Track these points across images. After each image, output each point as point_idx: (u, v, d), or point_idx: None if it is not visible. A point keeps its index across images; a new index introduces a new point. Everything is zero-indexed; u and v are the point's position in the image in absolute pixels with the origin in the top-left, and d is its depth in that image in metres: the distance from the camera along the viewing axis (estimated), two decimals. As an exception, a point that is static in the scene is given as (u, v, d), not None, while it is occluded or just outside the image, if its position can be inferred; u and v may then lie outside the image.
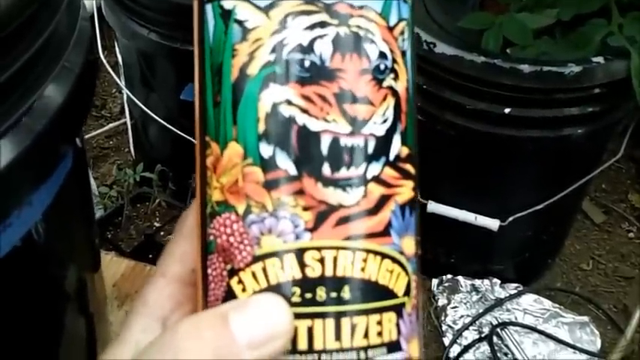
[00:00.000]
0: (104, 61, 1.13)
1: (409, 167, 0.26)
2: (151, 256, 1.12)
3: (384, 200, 0.24)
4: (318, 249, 0.23)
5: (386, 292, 0.24)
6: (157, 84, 1.16)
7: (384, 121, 0.24)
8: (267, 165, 0.24)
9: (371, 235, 0.24)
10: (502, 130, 0.95)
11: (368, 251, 0.24)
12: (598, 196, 1.44)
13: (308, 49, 0.24)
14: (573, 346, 1.10)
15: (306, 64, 0.24)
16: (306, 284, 0.23)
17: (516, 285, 1.19)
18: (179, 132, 1.08)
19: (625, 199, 1.44)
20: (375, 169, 0.24)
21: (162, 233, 1.17)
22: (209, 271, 0.25)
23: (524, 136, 0.96)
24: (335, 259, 0.23)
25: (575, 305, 1.22)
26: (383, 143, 0.24)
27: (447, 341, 1.12)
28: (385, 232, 0.24)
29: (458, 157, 1.06)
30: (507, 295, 1.17)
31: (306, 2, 0.24)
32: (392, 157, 0.25)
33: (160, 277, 0.28)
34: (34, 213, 0.36)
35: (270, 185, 0.24)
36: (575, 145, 1.01)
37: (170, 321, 0.27)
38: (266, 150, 0.24)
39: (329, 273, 0.23)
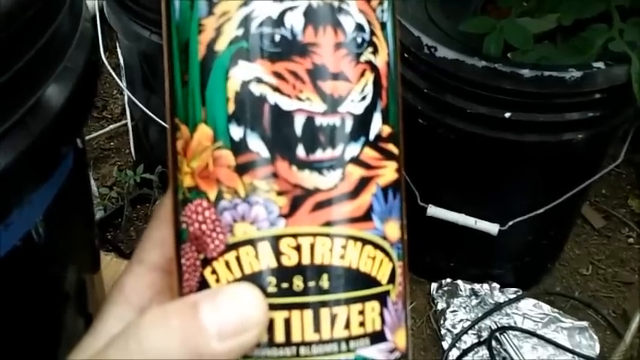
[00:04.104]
0: (105, 62, 1.14)
1: (392, 147, 0.24)
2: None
3: (364, 183, 0.23)
4: (294, 236, 0.22)
5: (368, 280, 0.23)
6: (158, 85, 1.16)
7: (363, 98, 0.23)
8: (238, 148, 0.22)
9: (351, 220, 0.22)
10: (502, 135, 0.95)
11: (348, 237, 0.22)
12: (598, 201, 1.44)
13: (278, 22, 0.22)
14: (572, 351, 1.10)
15: (277, 38, 0.22)
16: (282, 273, 0.22)
17: (516, 289, 1.19)
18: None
19: (625, 205, 1.44)
20: (353, 149, 0.23)
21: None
22: (182, 260, 0.24)
23: (525, 140, 0.96)
24: (312, 247, 0.22)
25: (575, 310, 1.21)
26: (361, 122, 0.23)
27: (445, 345, 1.12)
28: (366, 217, 0.23)
29: (458, 161, 1.06)
30: (507, 299, 1.17)
31: None
32: (372, 136, 0.23)
33: (138, 264, 0.27)
34: (35, 213, 0.36)
35: (241, 169, 0.22)
36: (575, 150, 1.01)
37: (149, 309, 0.26)
38: (236, 132, 0.22)
39: (306, 261, 0.22)
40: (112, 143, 1.49)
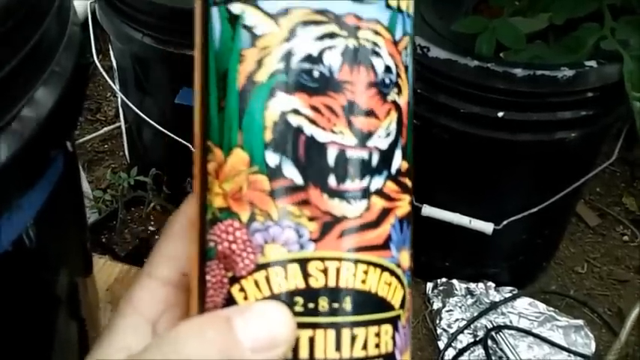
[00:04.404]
0: (98, 65, 1.13)
1: (407, 181, 0.26)
2: (145, 260, 1.12)
3: (385, 214, 0.24)
4: (322, 259, 0.23)
5: (384, 305, 0.24)
6: (152, 88, 1.16)
7: (388, 134, 0.24)
8: (273, 174, 0.23)
9: (372, 248, 0.24)
10: (496, 134, 0.96)
11: (369, 263, 0.24)
12: (592, 199, 1.44)
13: (317, 59, 0.23)
14: (568, 350, 1.10)
15: (315, 74, 0.23)
16: (309, 294, 0.23)
17: (511, 288, 1.19)
18: (173, 136, 1.08)
19: (619, 202, 1.45)
20: (378, 182, 0.24)
21: (156, 237, 1.17)
22: (207, 277, 0.24)
23: (518, 139, 0.96)
24: (338, 270, 0.23)
25: (570, 308, 1.22)
26: (386, 157, 0.24)
27: (441, 345, 1.12)
28: (385, 245, 0.24)
29: (452, 160, 1.06)
30: (502, 298, 1.17)
31: (316, 12, 0.23)
32: (393, 171, 0.25)
33: (148, 278, 0.27)
34: (25, 217, 0.36)
35: (275, 194, 0.23)
36: (568, 149, 1.01)
37: (160, 324, 0.27)
38: (272, 159, 0.23)
39: (332, 284, 0.23)
40: (105, 146, 1.49)
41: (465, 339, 1.12)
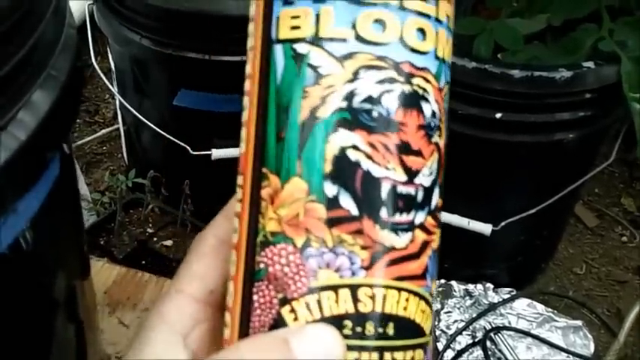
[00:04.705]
0: (97, 67, 1.13)
1: (440, 217, 0.28)
2: (143, 262, 1.12)
3: (424, 246, 0.26)
4: (371, 286, 0.25)
5: (419, 331, 0.26)
6: (150, 90, 1.16)
7: (430, 173, 0.27)
8: (330, 203, 0.25)
9: (413, 277, 0.26)
10: (494, 135, 0.96)
11: (410, 292, 0.26)
12: (591, 200, 1.44)
13: (377, 101, 0.25)
14: (567, 351, 1.10)
15: (374, 114, 0.25)
16: (358, 318, 0.25)
17: (510, 289, 1.19)
18: (172, 138, 1.08)
19: (618, 203, 1.45)
20: (421, 216, 0.26)
21: (155, 239, 1.17)
22: (255, 297, 0.26)
23: (516, 141, 0.96)
24: (384, 297, 0.25)
25: (569, 309, 1.22)
26: (428, 194, 0.27)
27: (440, 346, 1.12)
28: (423, 275, 0.26)
29: (450, 162, 1.06)
30: (501, 299, 1.17)
31: (378, 58, 0.25)
32: (433, 206, 0.27)
33: (178, 294, 0.28)
34: (21, 220, 0.36)
35: (331, 223, 0.25)
36: (567, 150, 1.01)
37: (190, 338, 0.28)
38: (330, 189, 0.25)
39: (378, 309, 0.25)
40: (104, 148, 1.49)
41: (463, 340, 1.12)
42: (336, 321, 0.25)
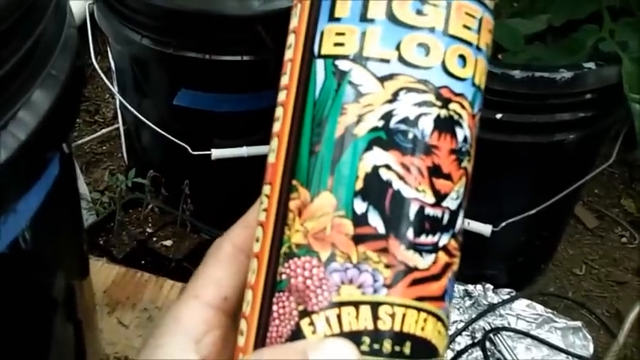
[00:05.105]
0: (97, 66, 1.13)
1: (461, 240, 0.28)
2: (143, 262, 1.12)
3: (446, 268, 0.27)
4: (392, 305, 0.25)
5: (434, 351, 0.27)
6: (150, 89, 1.16)
7: (457, 197, 0.27)
8: (358, 220, 0.25)
9: (433, 299, 0.26)
10: (494, 136, 0.95)
11: (428, 312, 0.26)
12: (591, 200, 1.44)
13: (413, 123, 0.26)
14: (566, 351, 1.10)
15: (410, 136, 0.26)
16: (376, 336, 0.25)
17: (509, 290, 1.19)
18: (172, 138, 1.08)
19: (618, 204, 1.45)
20: (445, 239, 0.27)
21: (154, 239, 1.17)
22: (275, 307, 0.26)
23: (517, 141, 0.96)
24: (404, 316, 0.25)
25: (568, 310, 1.22)
26: (453, 217, 0.27)
27: (440, 347, 1.12)
28: (442, 297, 0.27)
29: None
30: (500, 300, 1.17)
31: (418, 81, 0.26)
32: (456, 230, 0.27)
33: (193, 298, 0.29)
34: (20, 220, 0.36)
35: (358, 239, 0.25)
36: (567, 151, 1.01)
37: (203, 343, 0.28)
38: (360, 206, 0.25)
39: (397, 328, 0.25)
40: (103, 147, 1.49)
41: (463, 341, 1.12)
42: (355, 337, 0.25)
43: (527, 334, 1.12)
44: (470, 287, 1.18)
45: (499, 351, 1.09)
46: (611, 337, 1.15)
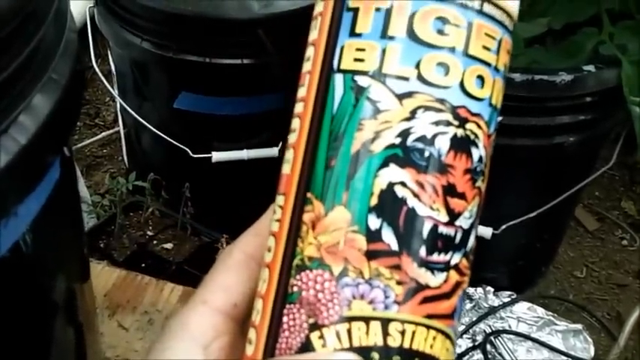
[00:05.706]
0: (97, 70, 1.13)
1: (472, 259, 0.28)
2: (143, 265, 1.12)
3: (456, 287, 0.27)
4: (402, 322, 0.25)
5: None
6: (150, 93, 1.16)
7: (470, 216, 0.27)
8: (372, 236, 0.25)
9: (442, 317, 0.26)
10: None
11: (438, 330, 0.26)
12: (591, 203, 1.44)
13: (430, 141, 0.26)
14: (567, 354, 1.10)
15: (426, 154, 0.26)
16: (385, 352, 0.25)
17: (510, 293, 1.19)
18: (172, 141, 1.08)
19: (618, 207, 1.45)
20: (457, 258, 0.27)
21: (155, 242, 1.17)
22: (285, 319, 0.26)
23: (517, 144, 0.96)
24: (413, 334, 0.25)
25: (569, 313, 1.22)
26: (466, 236, 0.27)
27: (440, 349, 1.12)
28: (451, 315, 0.27)
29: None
30: (501, 303, 1.17)
31: (437, 100, 0.26)
32: (468, 249, 0.27)
33: (202, 304, 0.29)
34: (21, 224, 0.36)
35: (371, 255, 0.25)
36: (567, 153, 1.01)
37: (211, 349, 0.28)
38: (374, 222, 0.25)
39: (406, 345, 0.25)
40: (104, 150, 1.49)
41: (463, 344, 1.12)
42: (364, 352, 0.25)
43: (527, 337, 1.12)
44: (470, 290, 1.18)
45: (500, 354, 1.09)
46: (612, 340, 1.15)
